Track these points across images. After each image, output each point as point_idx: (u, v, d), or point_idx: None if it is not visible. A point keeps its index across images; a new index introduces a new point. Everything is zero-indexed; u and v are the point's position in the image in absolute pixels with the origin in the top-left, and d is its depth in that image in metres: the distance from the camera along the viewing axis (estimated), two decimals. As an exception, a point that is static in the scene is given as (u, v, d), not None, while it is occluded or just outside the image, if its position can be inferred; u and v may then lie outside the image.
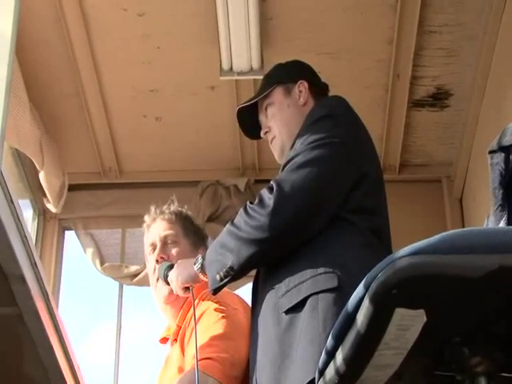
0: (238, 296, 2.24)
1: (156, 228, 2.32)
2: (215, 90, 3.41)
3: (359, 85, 3.33)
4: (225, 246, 1.83)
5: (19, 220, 1.31)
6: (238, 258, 1.80)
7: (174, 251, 2.25)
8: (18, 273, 1.32)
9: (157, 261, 2.24)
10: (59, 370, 1.57)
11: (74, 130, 3.58)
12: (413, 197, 3.74)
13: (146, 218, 2.36)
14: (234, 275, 1.81)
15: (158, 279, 2.21)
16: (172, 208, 2.35)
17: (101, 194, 3.82)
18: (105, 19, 3.11)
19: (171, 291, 2.12)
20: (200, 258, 1.92)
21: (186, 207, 2.42)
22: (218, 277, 1.82)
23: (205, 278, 1.89)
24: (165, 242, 2.28)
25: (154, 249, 2.29)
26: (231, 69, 3.20)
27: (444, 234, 1.25)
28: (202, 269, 1.89)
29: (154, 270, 2.25)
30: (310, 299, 1.71)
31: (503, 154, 1.55)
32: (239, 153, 3.72)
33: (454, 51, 3.20)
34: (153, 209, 2.35)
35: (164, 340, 2.30)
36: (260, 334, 1.82)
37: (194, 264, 1.92)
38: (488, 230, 1.46)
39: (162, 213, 2.34)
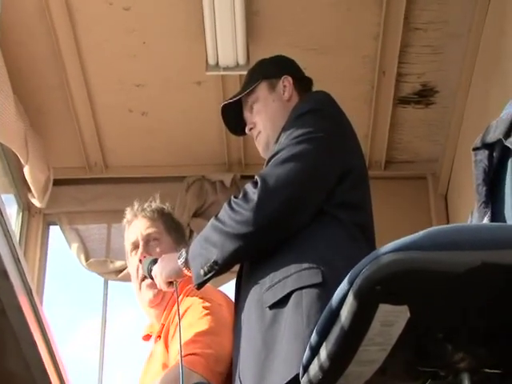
0: (221, 292, 2.23)
1: (137, 226, 2.30)
2: (201, 85, 3.40)
3: (345, 81, 3.33)
4: (209, 241, 1.83)
5: (1, 214, 1.30)
6: (222, 252, 1.80)
7: (156, 249, 2.23)
8: (1, 267, 1.31)
9: (140, 260, 2.21)
10: (42, 366, 1.56)
11: (58, 124, 3.56)
12: (398, 193, 3.75)
13: (127, 213, 2.33)
14: (218, 270, 1.81)
15: (142, 280, 2.20)
16: (153, 205, 2.34)
17: (86, 189, 3.80)
18: (90, 12, 3.09)
19: (156, 294, 2.11)
20: (184, 252, 1.91)
21: (167, 204, 2.40)
22: (201, 271, 1.82)
23: (189, 273, 1.89)
24: (147, 241, 2.27)
25: (136, 247, 2.27)
26: (217, 64, 3.19)
27: (428, 230, 1.26)
28: (186, 263, 1.89)
29: (137, 270, 2.22)
30: (294, 294, 1.71)
31: (487, 151, 1.56)
32: (225, 148, 3.71)
33: (440, 48, 3.21)
34: (134, 205, 2.33)
35: (147, 337, 2.29)
36: (243, 329, 1.82)
37: (178, 258, 1.91)
38: (471, 226, 1.47)
39: (144, 210, 2.32)
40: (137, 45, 3.21)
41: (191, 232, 3.58)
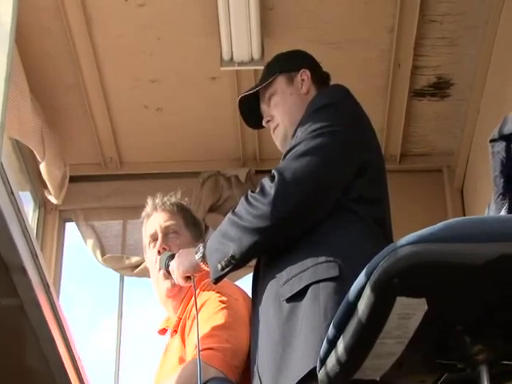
0: (238, 286, 2.23)
1: (157, 218, 2.30)
2: (216, 81, 3.40)
3: (360, 74, 3.32)
4: (226, 235, 1.83)
5: (20, 211, 1.31)
6: (239, 246, 1.80)
7: (175, 242, 2.24)
8: (19, 264, 1.33)
9: (159, 252, 2.22)
10: (60, 361, 1.57)
11: (74, 120, 3.57)
12: (414, 187, 3.73)
13: (147, 206, 2.34)
14: (236, 264, 1.81)
15: (159, 270, 2.20)
16: (173, 199, 2.34)
17: (101, 186, 3.82)
18: (105, 9, 3.10)
19: (174, 284, 2.11)
20: (201, 247, 1.91)
21: (186, 200, 2.41)
22: (219, 266, 1.82)
23: (206, 268, 1.89)
24: (166, 233, 2.27)
25: (155, 240, 2.27)
26: (232, 59, 3.19)
27: (445, 222, 1.25)
28: (204, 258, 1.89)
29: (156, 261, 2.23)
30: (311, 288, 1.71)
31: (504, 143, 1.55)
32: (240, 143, 3.72)
33: (456, 40, 3.19)
34: (154, 198, 2.34)
35: (163, 331, 2.30)
36: (261, 322, 1.82)
37: (196, 253, 1.92)
38: (489, 218, 1.46)
39: (164, 203, 2.32)
40: (152, 41, 3.22)
41: (206, 227, 3.59)
